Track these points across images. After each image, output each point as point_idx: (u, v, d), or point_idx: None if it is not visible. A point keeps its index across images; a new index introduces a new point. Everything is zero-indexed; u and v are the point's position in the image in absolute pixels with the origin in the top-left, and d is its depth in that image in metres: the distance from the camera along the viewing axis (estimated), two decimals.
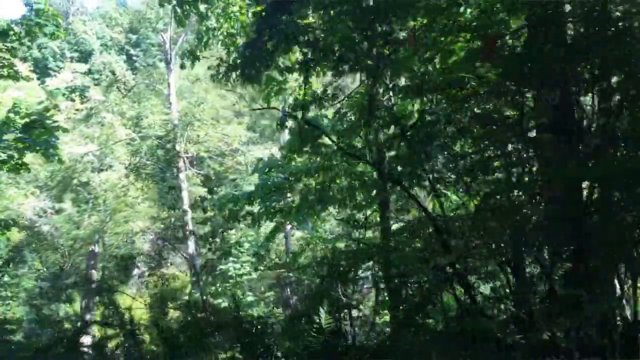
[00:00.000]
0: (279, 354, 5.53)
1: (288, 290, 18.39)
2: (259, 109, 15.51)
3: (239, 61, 8.93)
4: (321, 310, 5.71)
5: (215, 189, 29.98)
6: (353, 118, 11.71)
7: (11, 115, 9.88)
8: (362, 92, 10.63)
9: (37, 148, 9.90)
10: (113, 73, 57.19)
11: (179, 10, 10.77)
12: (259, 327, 6.03)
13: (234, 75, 8.62)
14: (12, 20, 10.07)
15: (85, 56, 61.55)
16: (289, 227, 26.06)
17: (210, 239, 24.03)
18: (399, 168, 9.84)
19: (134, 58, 64.46)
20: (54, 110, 10.69)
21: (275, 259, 20.27)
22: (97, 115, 25.74)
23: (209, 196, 24.86)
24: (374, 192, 10.37)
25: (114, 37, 66.86)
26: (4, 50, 10.08)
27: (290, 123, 12.46)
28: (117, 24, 68.64)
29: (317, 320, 5.59)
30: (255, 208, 13.12)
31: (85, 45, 63.47)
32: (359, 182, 10.78)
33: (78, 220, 29.12)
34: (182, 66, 11.18)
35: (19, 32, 10.04)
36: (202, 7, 10.25)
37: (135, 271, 30.53)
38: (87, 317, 21.39)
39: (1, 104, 9.79)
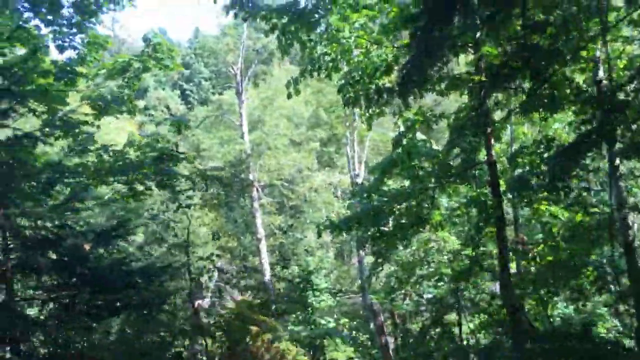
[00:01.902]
0: None
1: (382, 317, 18.08)
2: None
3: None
4: None
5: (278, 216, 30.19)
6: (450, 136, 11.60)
7: (127, 148, 10.15)
8: (467, 111, 10.51)
9: (162, 178, 10.12)
10: (168, 108, 58.89)
11: (282, 39, 10.91)
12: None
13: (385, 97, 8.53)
14: (134, 55, 10.49)
15: (140, 92, 63.34)
16: (362, 252, 25.98)
17: (284, 266, 24.09)
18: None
19: (187, 92, 66.20)
20: (162, 142, 10.93)
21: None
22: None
23: (283, 223, 24.94)
24: (490, 211, 10.12)
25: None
26: (123, 85, 10.47)
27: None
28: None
29: None
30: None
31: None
32: (474, 203, 10.55)
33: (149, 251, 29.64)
34: (289, 96, 11.25)
35: (138, 68, 10.43)
36: (312, 35, 10.37)
37: (202, 302, 30.65)
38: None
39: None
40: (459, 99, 14.43)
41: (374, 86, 11.59)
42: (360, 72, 10.87)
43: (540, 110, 7.83)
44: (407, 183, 19.74)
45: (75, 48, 9.32)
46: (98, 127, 8.99)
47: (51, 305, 5.49)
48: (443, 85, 11.08)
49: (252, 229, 24.36)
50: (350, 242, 27.93)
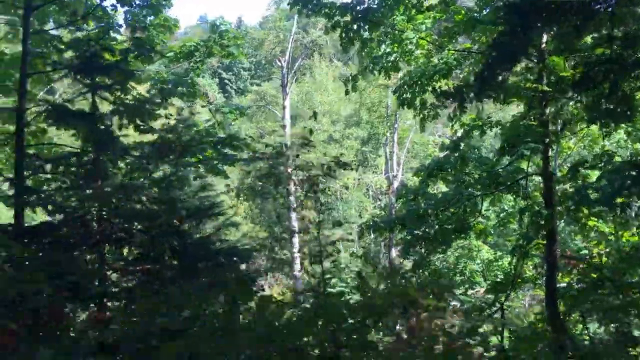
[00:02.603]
0: None
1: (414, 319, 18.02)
2: None
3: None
4: None
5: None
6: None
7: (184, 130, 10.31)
8: (527, 120, 10.39)
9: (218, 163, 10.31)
10: (206, 95, 59.68)
11: (344, 36, 10.95)
12: None
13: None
14: (201, 40, 10.67)
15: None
16: (394, 252, 25.94)
17: (314, 261, 24.11)
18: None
19: (226, 81, 66.76)
20: (218, 127, 11.09)
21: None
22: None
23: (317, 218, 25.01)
24: (542, 222, 10.01)
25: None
26: (189, 70, 10.66)
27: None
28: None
29: None
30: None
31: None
32: (526, 213, 10.45)
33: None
34: (347, 92, 11.31)
35: (204, 52, 10.61)
36: (374, 34, 10.40)
37: None
38: None
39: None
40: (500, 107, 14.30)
41: (430, 88, 11.61)
42: (419, 74, 10.84)
43: (610, 122, 7.72)
44: (444, 188, 19.62)
45: (146, 29, 9.53)
46: (165, 107, 9.19)
47: (140, 278, 5.62)
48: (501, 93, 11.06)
49: (285, 221, 24.51)
50: (381, 243, 27.90)
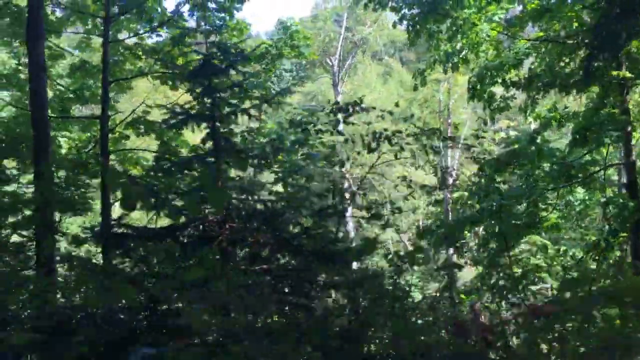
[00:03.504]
0: None
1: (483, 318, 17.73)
2: None
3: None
4: None
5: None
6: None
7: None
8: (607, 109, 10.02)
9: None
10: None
11: (410, 29, 10.85)
12: None
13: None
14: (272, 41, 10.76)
15: None
16: (451, 251, 25.56)
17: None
18: None
19: (268, 84, 66.83)
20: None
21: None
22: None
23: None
24: (628, 214, 9.65)
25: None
26: (260, 71, 10.76)
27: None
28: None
29: None
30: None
31: None
32: (611, 205, 10.11)
33: None
34: (415, 87, 11.25)
35: (275, 54, 10.68)
36: (442, 26, 10.26)
37: None
38: None
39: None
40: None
41: (500, 80, 11.35)
42: (493, 67, 10.62)
43: None
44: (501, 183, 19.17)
45: (219, 32, 9.59)
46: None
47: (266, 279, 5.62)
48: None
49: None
50: (431, 241, 27.52)
